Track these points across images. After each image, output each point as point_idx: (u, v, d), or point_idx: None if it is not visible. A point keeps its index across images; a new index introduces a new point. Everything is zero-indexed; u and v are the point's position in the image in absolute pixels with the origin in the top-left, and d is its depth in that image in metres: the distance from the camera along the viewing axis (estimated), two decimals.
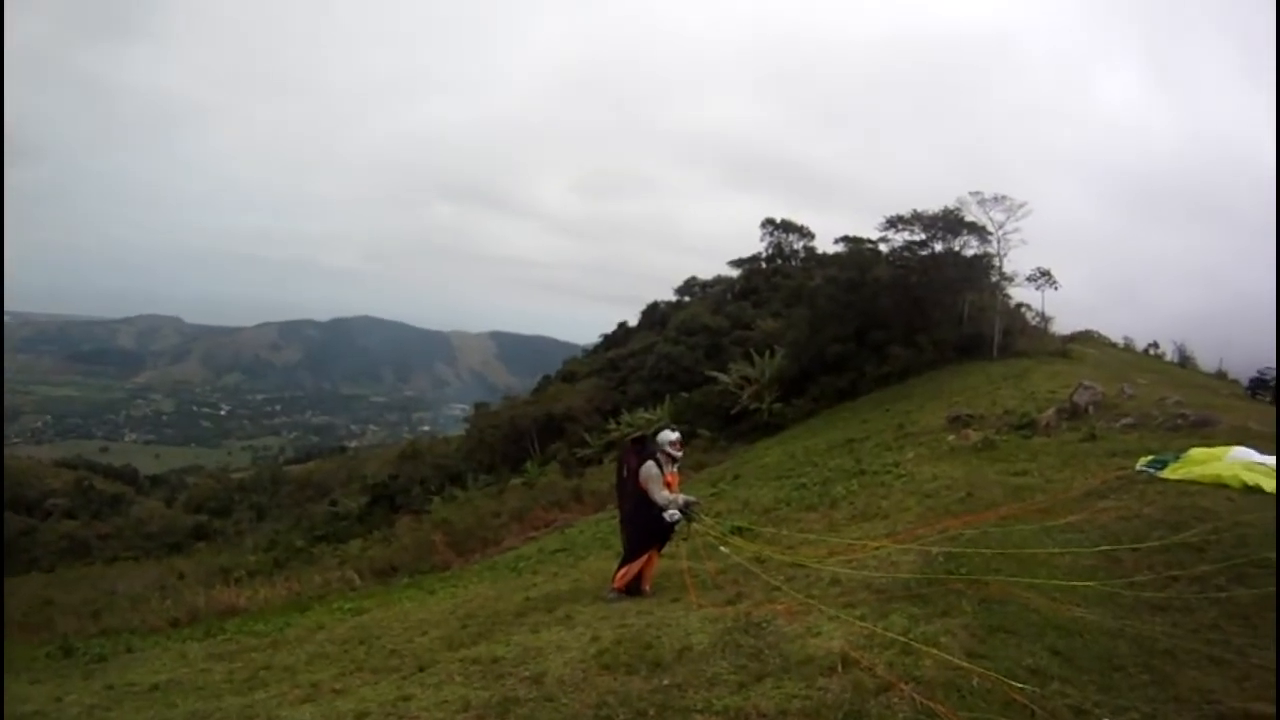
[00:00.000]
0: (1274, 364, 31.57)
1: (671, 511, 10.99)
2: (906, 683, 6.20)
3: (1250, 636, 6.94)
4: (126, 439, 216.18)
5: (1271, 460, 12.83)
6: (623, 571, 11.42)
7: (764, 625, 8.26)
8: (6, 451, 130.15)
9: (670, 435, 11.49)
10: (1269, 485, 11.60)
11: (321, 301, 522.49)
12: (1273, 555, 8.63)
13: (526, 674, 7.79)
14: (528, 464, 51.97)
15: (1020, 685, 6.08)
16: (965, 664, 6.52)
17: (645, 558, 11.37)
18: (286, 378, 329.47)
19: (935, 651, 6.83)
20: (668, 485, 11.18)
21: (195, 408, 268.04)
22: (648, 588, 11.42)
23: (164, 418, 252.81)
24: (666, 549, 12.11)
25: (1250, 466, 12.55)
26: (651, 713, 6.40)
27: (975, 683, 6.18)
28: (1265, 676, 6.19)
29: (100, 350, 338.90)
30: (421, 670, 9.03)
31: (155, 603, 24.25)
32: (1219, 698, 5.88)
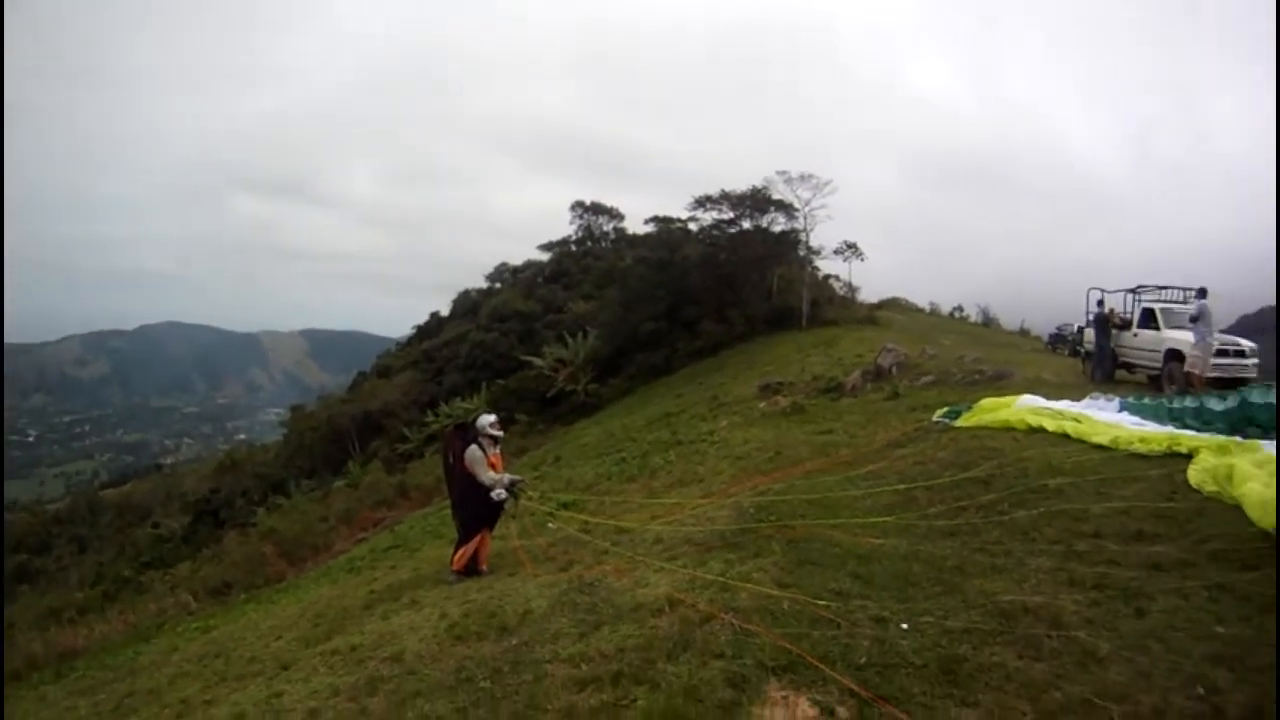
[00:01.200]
0: (1066, 320, 33.84)
1: (498, 491, 11.19)
2: (726, 612, 6.83)
3: (1029, 547, 7.76)
4: None
5: (1056, 404, 13.97)
6: (459, 553, 11.55)
7: (596, 584, 8.75)
8: None
9: (489, 418, 11.73)
10: (1051, 425, 12.54)
11: (126, 310, 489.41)
12: (1045, 480, 9.51)
13: (386, 655, 8.03)
14: (350, 464, 50.72)
15: (825, 604, 6.78)
16: (776, 592, 7.21)
17: (479, 538, 11.53)
18: (93, 395, 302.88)
19: (749, 585, 7.52)
20: (492, 466, 11.37)
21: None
22: (485, 568, 11.57)
23: None
24: (498, 530, 12.32)
25: (1035, 411, 13.57)
26: (506, 669, 6.76)
27: (786, 606, 6.87)
28: (1039, 579, 6.97)
29: None
30: (285, 669, 9.05)
31: None
32: (1000, 597, 6.59)
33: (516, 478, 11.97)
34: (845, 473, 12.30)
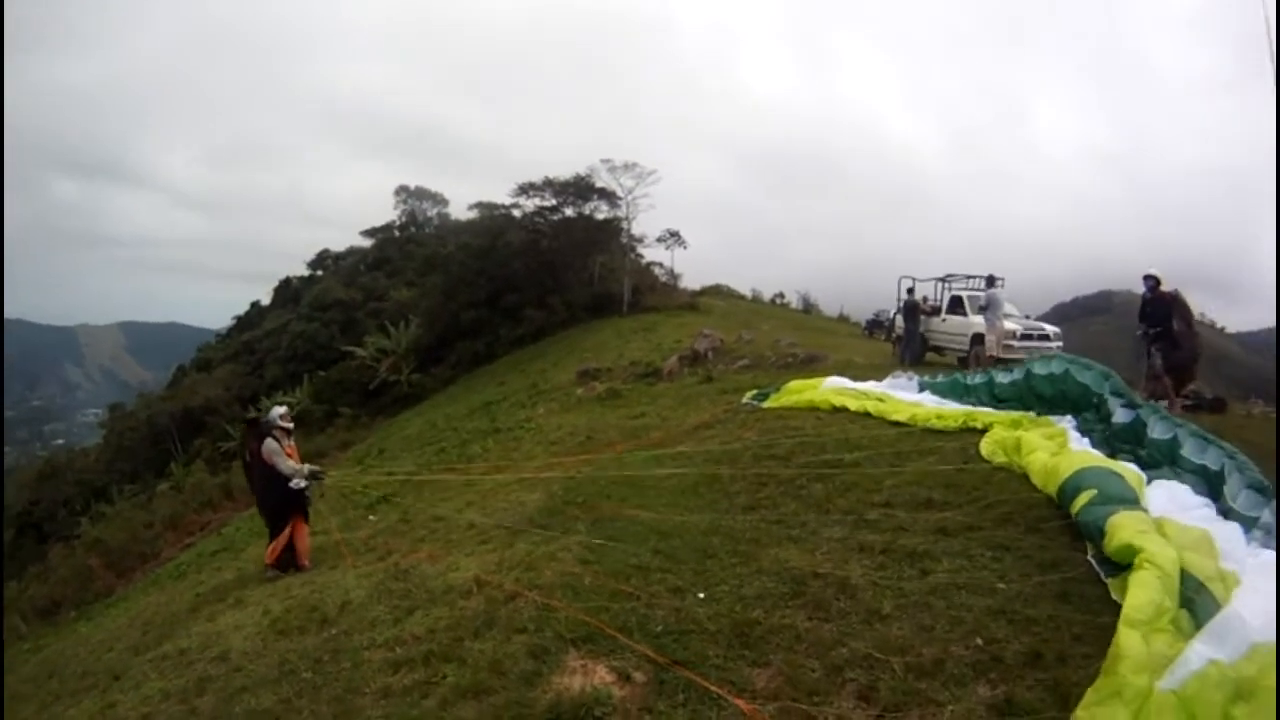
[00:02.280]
0: (884, 307, 35.09)
1: (296, 480, 11.14)
2: (530, 590, 7.05)
3: (823, 519, 8.08)
4: None
5: (861, 385, 14.45)
6: (271, 547, 11.46)
7: (411, 571, 8.89)
8: None
9: (279, 410, 11.77)
10: (854, 405, 13.00)
11: None
12: (843, 455, 9.88)
13: (213, 655, 7.95)
14: (173, 465, 48.58)
15: (625, 577, 7.05)
16: (577, 570, 7.44)
17: (289, 529, 11.39)
18: None
19: (553, 565, 7.74)
20: (289, 456, 11.32)
21: None
22: (306, 563, 11.44)
23: None
24: (319, 525, 12.43)
25: (840, 391, 14.04)
26: (326, 659, 6.85)
27: (588, 582, 7.11)
28: (832, 546, 7.27)
29: None
30: (117, 679, 8.80)
31: None
32: (793, 565, 6.86)
33: (316, 468, 11.96)
34: (653, 454, 12.52)
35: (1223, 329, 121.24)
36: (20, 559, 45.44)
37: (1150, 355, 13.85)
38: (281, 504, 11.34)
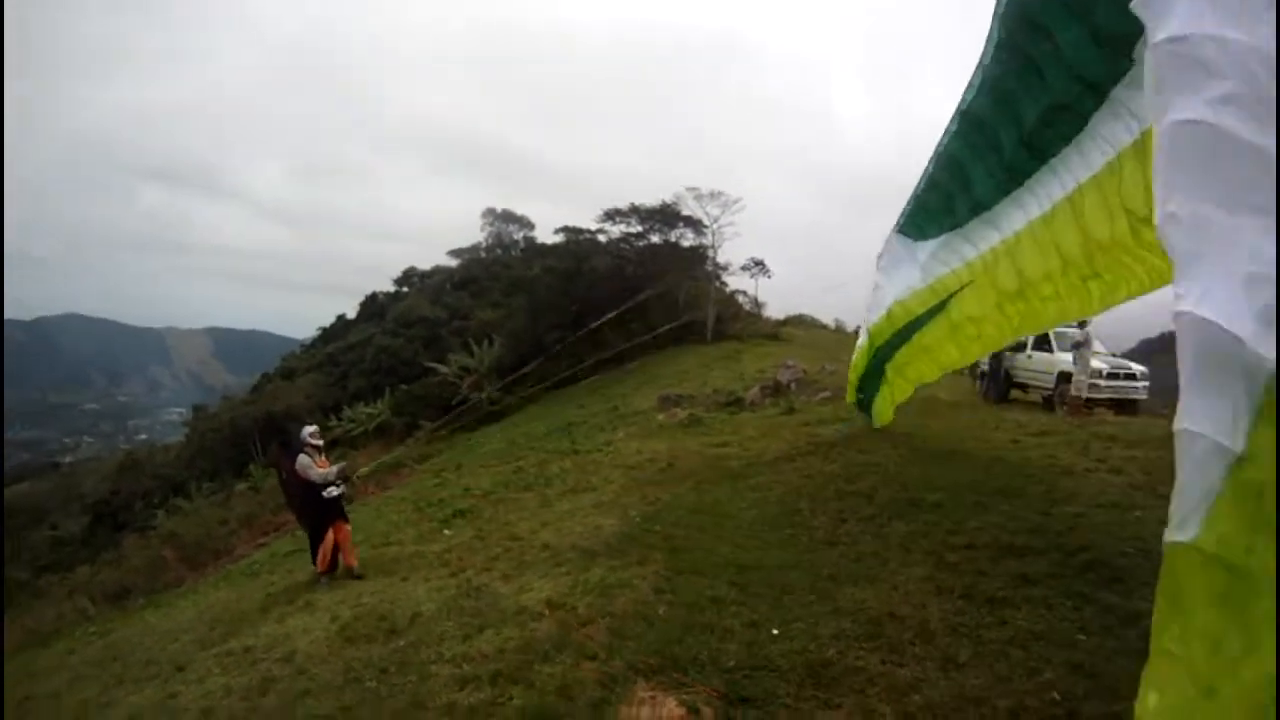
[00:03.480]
0: None
1: (330, 489, 11.55)
2: (603, 617, 7.08)
3: (902, 560, 7.97)
4: None
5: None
6: (321, 554, 11.78)
7: (483, 589, 8.94)
8: None
9: (309, 429, 12.17)
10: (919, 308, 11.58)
11: (22, 298, 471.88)
12: (925, 495, 9.74)
13: (278, 656, 8.09)
14: (251, 467, 49.44)
15: (701, 610, 7.01)
16: (651, 599, 7.45)
17: (330, 534, 11.76)
18: None
19: (627, 592, 7.75)
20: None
21: None
22: (354, 563, 11.76)
23: None
24: (393, 536, 13.11)
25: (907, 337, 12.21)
26: (392, 669, 6.93)
27: (661, 612, 7.09)
28: (909, 588, 7.18)
29: None
30: (180, 670, 8.98)
31: None
32: (870, 605, 6.81)
33: (342, 464, 12.45)
34: (733, 484, 12.47)
35: None
36: (95, 545, 46.58)
37: None
38: (319, 512, 11.73)
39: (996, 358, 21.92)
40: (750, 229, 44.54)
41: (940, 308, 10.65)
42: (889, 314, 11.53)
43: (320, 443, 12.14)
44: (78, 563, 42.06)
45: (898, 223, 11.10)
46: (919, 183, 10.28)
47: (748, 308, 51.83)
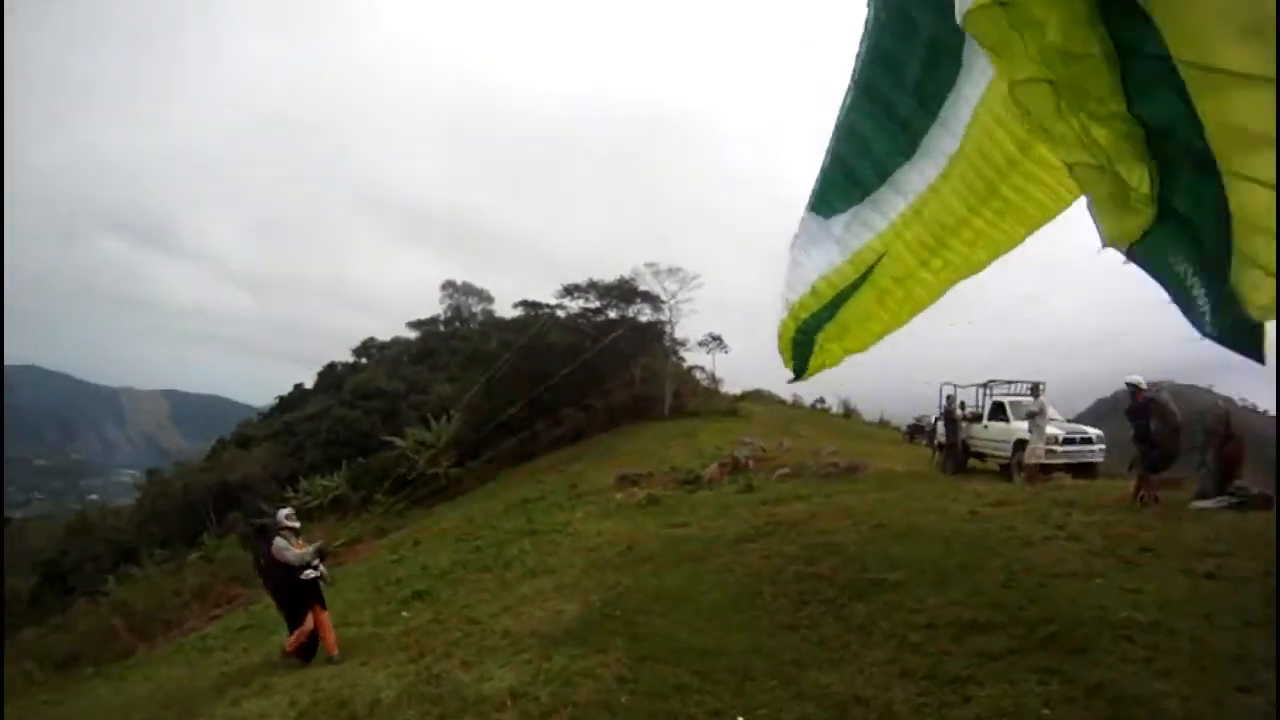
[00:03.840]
0: (925, 411, 34.76)
1: (308, 571, 11.47)
2: (566, 707, 7.02)
3: (865, 640, 8.04)
4: None
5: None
6: (294, 636, 11.61)
7: (443, 676, 8.83)
8: None
9: (284, 511, 12.28)
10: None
11: None
12: (886, 574, 9.78)
13: None
14: (205, 537, 48.71)
15: (665, 699, 6.99)
16: (614, 688, 7.40)
17: (309, 618, 11.55)
18: None
19: (590, 681, 7.68)
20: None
21: None
22: (335, 652, 11.54)
23: None
24: (352, 617, 12.99)
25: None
26: None
27: (624, 700, 7.07)
28: (873, 671, 7.20)
29: None
30: None
31: None
32: (834, 690, 6.83)
33: (319, 544, 12.34)
34: (693, 567, 12.45)
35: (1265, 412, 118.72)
36: (43, 606, 45.70)
37: (1138, 458, 14.25)
38: (298, 596, 11.60)
39: (953, 429, 22.17)
40: (709, 305, 44.88)
41: (864, 279, 10.38)
42: (814, 290, 10.85)
43: (297, 525, 12.12)
44: (25, 624, 41.13)
45: (809, 202, 10.81)
46: (824, 160, 10.01)
47: (705, 383, 52.13)
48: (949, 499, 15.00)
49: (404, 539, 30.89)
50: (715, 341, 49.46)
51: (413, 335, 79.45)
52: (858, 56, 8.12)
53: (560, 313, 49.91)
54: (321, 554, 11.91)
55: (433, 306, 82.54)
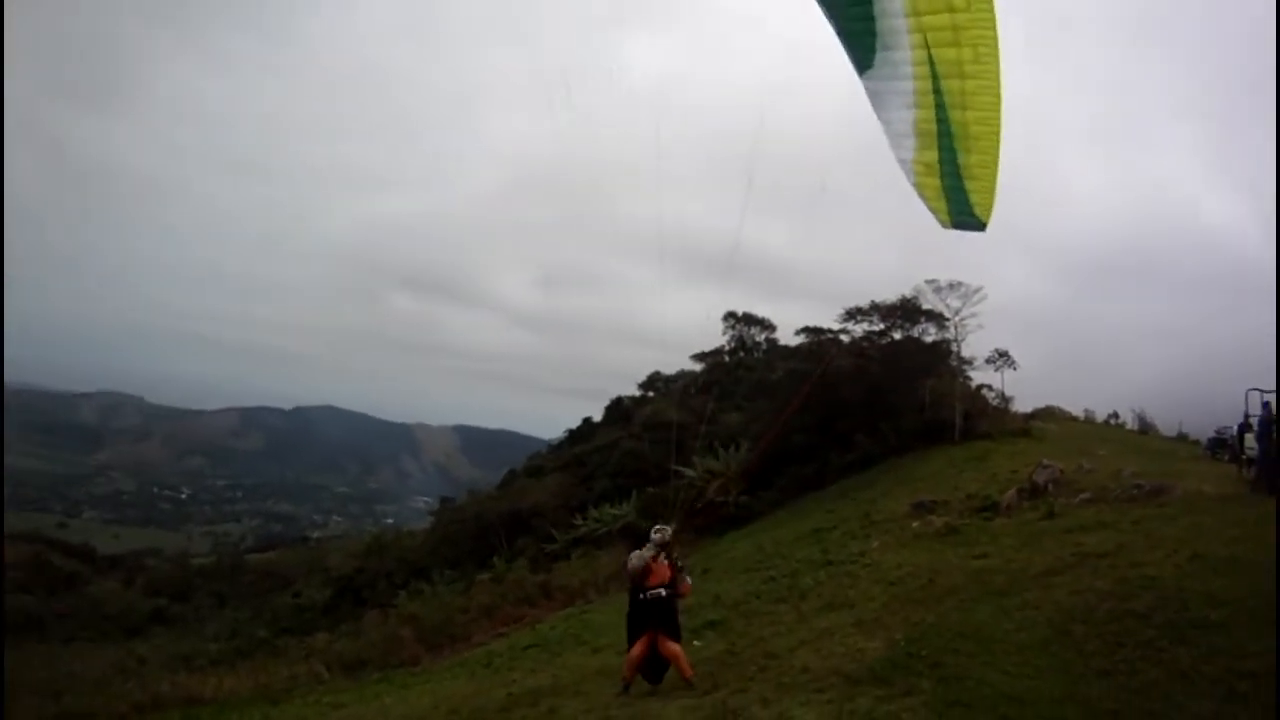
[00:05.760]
0: (1229, 423, 32.18)
1: (648, 592, 11.13)
2: None
3: (1188, 691, 7.58)
4: (85, 516, 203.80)
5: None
6: (625, 664, 11.36)
7: (739, 712, 8.66)
8: None
9: (656, 526, 11.80)
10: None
11: (283, 388, 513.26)
12: (1211, 615, 9.24)
13: None
14: (495, 559, 51.15)
15: None
16: None
17: (640, 644, 11.17)
18: (249, 464, 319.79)
19: None
20: (653, 573, 11.28)
21: (156, 489, 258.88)
22: (690, 673, 11.07)
23: (124, 497, 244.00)
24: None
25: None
26: None
27: None
28: None
29: (60, 424, 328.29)
30: None
31: (118, 687, 23.73)
32: None
33: (660, 531, 11.78)
34: (999, 601, 12.07)
35: None
36: (336, 615, 49.66)
37: None
38: (634, 615, 11.32)
39: (1266, 438, 20.19)
40: (992, 319, 42.89)
41: (937, 100, 10.03)
42: (919, 135, 10.58)
43: (658, 537, 11.61)
44: (316, 629, 44.79)
45: (855, 70, 10.77)
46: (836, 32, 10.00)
47: (995, 403, 50.14)
48: (1268, 524, 13.65)
49: (693, 566, 31.20)
50: (1003, 358, 47.53)
51: (697, 367, 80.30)
52: None
53: (844, 337, 49.56)
54: (664, 547, 11.39)
55: (716, 338, 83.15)
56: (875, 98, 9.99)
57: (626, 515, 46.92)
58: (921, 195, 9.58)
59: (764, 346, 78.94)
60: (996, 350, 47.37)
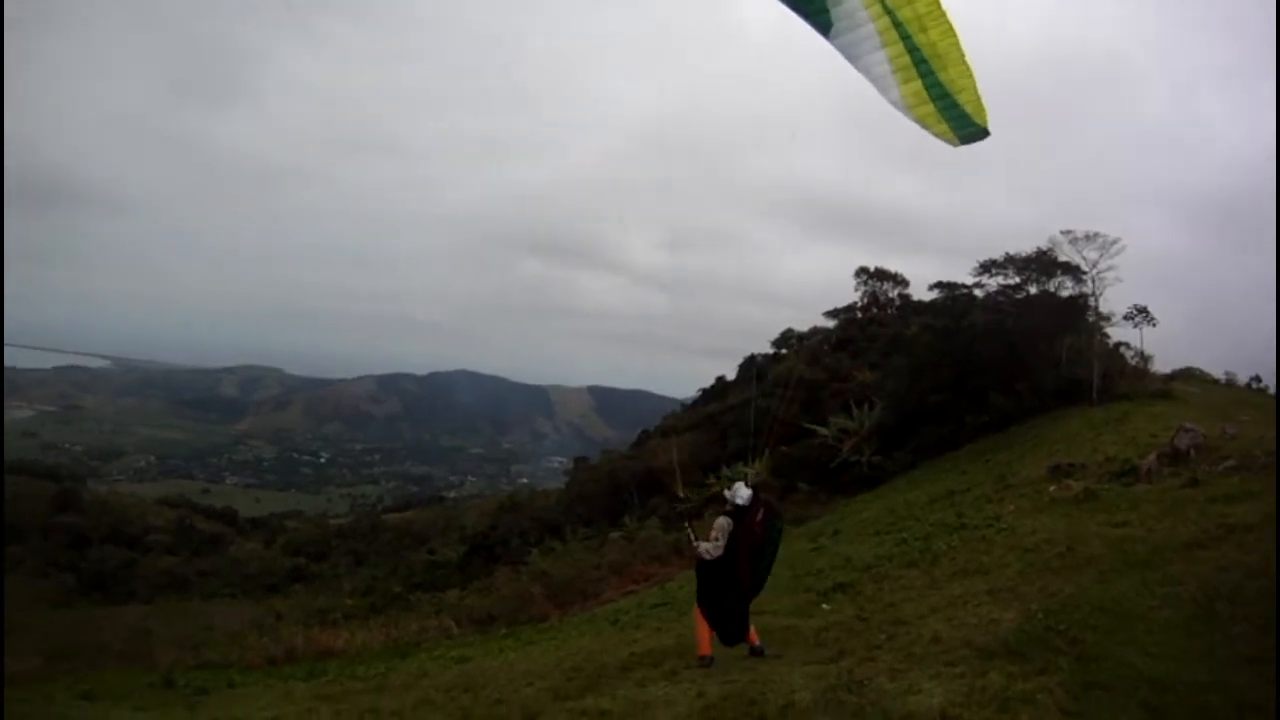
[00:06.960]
0: None
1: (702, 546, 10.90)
2: None
3: None
4: (228, 482, 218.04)
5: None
6: (698, 637, 11.13)
7: (866, 683, 8.46)
8: (108, 488, 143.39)
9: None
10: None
11: (417, 356, 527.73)
12: None
13: None
14: (626, 517, 51.59)
15: None
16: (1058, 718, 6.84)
17: (702, 614, 10.98)
18: (385, 429, 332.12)
19: (1029, 709, 7.16)
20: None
21: (296, 455, 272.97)
22: (755, 639, 10.89)
23: (265, 463, 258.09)
24: (769, 605, 12.32)
25: None
26: None
27: None
28: None
29: (204, 398, 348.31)
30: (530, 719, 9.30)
31: (253, 640, 24.69)
32: None
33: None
34: (1141, 574, 11.60)
35: None
36: (468, 572, 51.05)
37: None
38: (701, 582, 11.09)
39: None
40: (1129, 272, 40.77)
41: (903, 37, 10.04)
42: (898, 72, 10.57)
43: (739, 501, 11.03)
44: (449, 586, 46.26)
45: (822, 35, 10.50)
46: None
47: (1133, 362, 48.28)
48: None
49: (824, 527, 31.03)
50: (1142, 314, 45.64)
51: (830, 324, 79.42)
52: None
53: (978, 292, 48.48)
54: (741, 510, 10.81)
55: (848, 295, 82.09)
56: (847, 52, 10.05)
57: (760, 475, 46.98)
58: (924, 124, 9.62)
59: (897, 302, 77.65)
60: (1135, 306, 45.71)
